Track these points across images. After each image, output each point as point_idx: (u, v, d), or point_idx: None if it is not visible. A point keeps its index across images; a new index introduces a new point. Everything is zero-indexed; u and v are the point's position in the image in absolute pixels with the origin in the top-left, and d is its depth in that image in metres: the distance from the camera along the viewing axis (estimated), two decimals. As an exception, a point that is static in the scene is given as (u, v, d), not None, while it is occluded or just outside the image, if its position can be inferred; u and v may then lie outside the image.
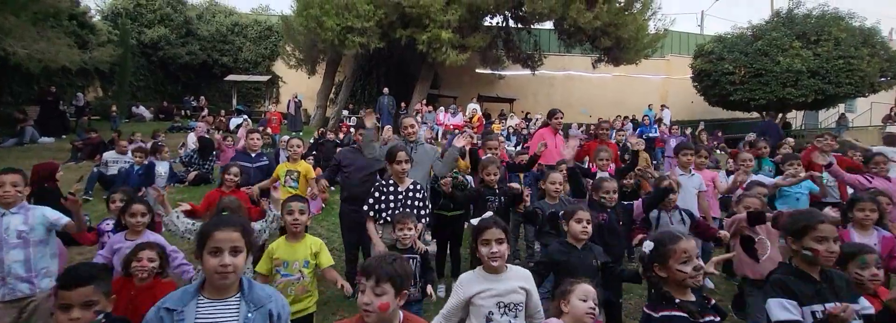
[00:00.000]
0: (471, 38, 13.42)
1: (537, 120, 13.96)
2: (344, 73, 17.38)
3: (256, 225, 3.00)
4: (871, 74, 13.50)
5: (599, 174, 3.74)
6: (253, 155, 4.54)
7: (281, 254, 2.63)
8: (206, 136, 8.66)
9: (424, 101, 14.52)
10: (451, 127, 12.58)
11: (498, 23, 16.50)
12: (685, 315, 1.62)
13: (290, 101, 13.16)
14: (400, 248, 2.79)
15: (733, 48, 14.94)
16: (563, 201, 3.38)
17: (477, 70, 19.09)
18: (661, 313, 1.66)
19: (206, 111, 14.62)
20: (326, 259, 2.69)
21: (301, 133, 12.33)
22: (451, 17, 12.35)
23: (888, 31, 17.33)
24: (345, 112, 15.11)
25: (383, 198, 3.19)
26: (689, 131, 10.42)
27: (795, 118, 20.61)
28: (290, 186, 4.07)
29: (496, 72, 19.24)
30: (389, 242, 2.98)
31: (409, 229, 2.80)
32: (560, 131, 5.12)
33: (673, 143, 6.28)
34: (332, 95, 17.25)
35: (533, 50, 16.97)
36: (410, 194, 3.22)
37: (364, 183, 3.75)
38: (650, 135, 8.88)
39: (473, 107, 14.42)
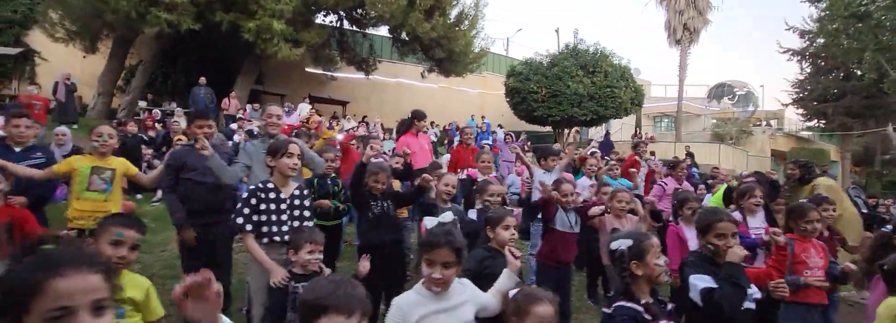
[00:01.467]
0: (305, 33, 12.59)
1: (376, 124, 13.91)
2: (139, 56, 14.27)
3: None
4: (626, 101, 17.61)
5: (481, 178, 3.80)
6: (19, 149, 3.15)
7: None
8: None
9: (233, 95, 12.73)
10: (287, 127, 11.49)
11: (332, 22, 15.94)
12: (639, 308, 1.70)
13: (58, 83, 10.08)
14: (297, 273, 2.23)
15: (537, 71, 17.63)
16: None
17: (307, 68, 18.07)
18: (616, 304, 1.74)
19: None
20: (156, 308, 1.85)
21: (76, 126, 9.57)
22: (285, 6, 11.37)
23: (634, 70, 22.94)
24: (142, 103, 12.33)
25: (265, 207, 2.48)
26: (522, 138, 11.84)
27: (569, 134, 25.55)
28: (99, 191, 2.95)
29: (328, 72, 18.55)
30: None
31: (320, 251, 2.23)
32: (423, 133, 5.13)
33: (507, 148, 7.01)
34: (120, 82, 13.96)
35: (368, 54, 16.90)
36: (296, 202, 2.58)
37: (215, 191, 3.00)
38: (485, 142, 9.80)
39: (307, 107, 13.51)
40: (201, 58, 14.46)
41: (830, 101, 21.11)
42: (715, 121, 25.23)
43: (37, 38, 14.21)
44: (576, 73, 17.11)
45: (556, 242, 3.27)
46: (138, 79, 12.76)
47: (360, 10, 14.30)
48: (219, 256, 3.11)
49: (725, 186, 5.17)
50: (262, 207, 2.48)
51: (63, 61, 14.26)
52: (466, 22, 14.34)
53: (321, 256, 2.27)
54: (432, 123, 17.54)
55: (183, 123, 8.16)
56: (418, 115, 4.94)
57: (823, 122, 22.51)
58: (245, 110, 12.57)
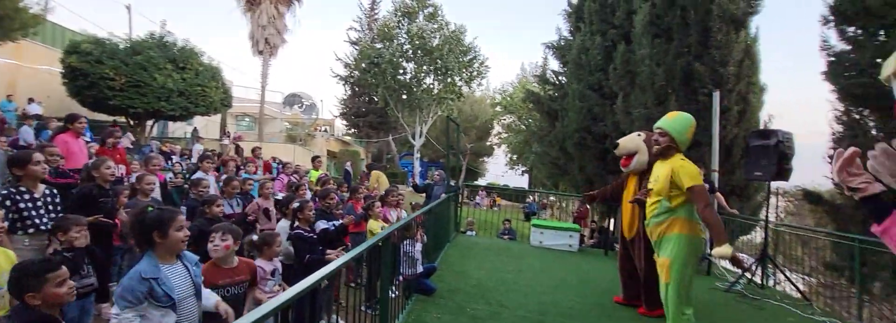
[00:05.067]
0: None
1: None
2: None
3: None
4: (216, 101, 18.68)
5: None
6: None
7: None
8: None
9: None
10: None
11: None
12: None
13: None
14: None
15: (114, 55, 15.84)
16: None
17: None
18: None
19: None
20: None
21: None
22: None
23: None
24: None
25: None
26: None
27: (153, 127, 23.52)
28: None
29: None
30: None
31: None
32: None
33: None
34: None
35: None
36: None
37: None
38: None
39: None
40: None
41: (361, 117, 30.12)
42: (288, 124, 30.02)
43: None
44: (164, 65, 16.68)
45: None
46: None
47: None
48: None
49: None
50: None
51: None
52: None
53: None
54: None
55: None
56: (73, 118, 4.96)
57: (357, 130, 31.63)
58: None
